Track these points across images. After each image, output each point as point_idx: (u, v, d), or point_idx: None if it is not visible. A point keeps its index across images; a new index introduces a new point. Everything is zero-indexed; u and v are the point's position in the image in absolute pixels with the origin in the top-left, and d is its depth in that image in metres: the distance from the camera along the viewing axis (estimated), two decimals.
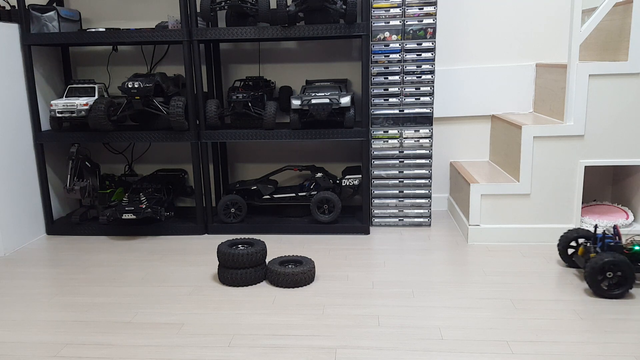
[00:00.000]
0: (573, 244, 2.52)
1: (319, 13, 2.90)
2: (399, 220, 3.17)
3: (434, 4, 2.94)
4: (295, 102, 2.90)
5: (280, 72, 3.41)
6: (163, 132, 3.02)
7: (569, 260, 2.52)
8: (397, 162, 3.11)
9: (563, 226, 2.82)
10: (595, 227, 2.36)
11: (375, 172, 3.13)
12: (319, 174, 3.18)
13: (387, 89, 3.04)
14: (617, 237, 2.27)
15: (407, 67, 3.01)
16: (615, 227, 2.30)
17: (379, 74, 3.03)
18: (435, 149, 3.47)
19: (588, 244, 2.35)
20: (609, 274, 2.15)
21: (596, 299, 2.18)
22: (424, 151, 3.09)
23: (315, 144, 3.49)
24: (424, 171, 3.10)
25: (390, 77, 3.03)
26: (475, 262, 2.60)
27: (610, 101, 2.71)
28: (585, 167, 2.86)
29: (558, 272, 2.46)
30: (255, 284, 2.40)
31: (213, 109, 2.99)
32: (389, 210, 3.16)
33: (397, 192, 3.14)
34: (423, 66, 3.01)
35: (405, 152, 3.10)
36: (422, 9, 2.95)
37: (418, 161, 3.10)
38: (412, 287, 2.34)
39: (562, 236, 2.52)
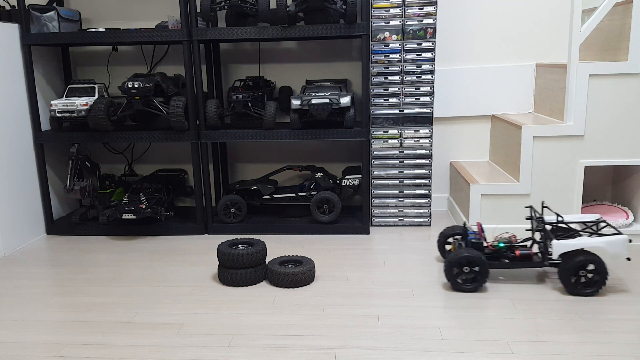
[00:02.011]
0: (451, 240, 2.56)
1: (319, 13, 2.90)
2: (399, 220, 3.17)
3: (434, 4, 2.94)
4: (295, 102, 2.90)
5: (280, 72, 3.41)
6: (163, 132, 3.02)
7: (446, 257, 2.55)
8: (397, 162, 3.11)
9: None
10: (464, 224, 2.42)
11: (375, 172, 3.13)
12: (319, 174, 3.18)
13: (387, 89, 3.04)
14: (479, 235, 2.34)
15: (407, 67, 3.01)
16: (478, 225, 2.38)
17: (379, 74, 3.03)
18: (435, 149, 3.47)
19: (458, 241, 2.43)
20: (466, 269, 2.22)
21: (597, 298, 2.19)
22: (424, 151, 3.09)
23: (315, 144, 3.49)
24: (424, 171, 3.10)
25: (390, 77, 3.03)
26: None
27: (610, 101, 2.71)
28: (585, 167, 2.86)
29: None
30: (255, 284, 2.40)
31: (213, 109, 2.99)
32: (389, 210, 3.16)
33: (397, 192, 3.14)
34: (423, 66, 3.00)
35: (405, 152, 3.09)
36: (422, 9, 2.95)
37: (418, 161, 3.10)
38: (412, 287, 2.34)
39: (440, 233, 2.57)
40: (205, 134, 3.01)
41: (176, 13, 3.36)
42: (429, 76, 3.01)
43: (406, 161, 3.10)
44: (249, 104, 2.98)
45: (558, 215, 2.32)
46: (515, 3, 3.26)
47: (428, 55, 2.99)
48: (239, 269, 2.37)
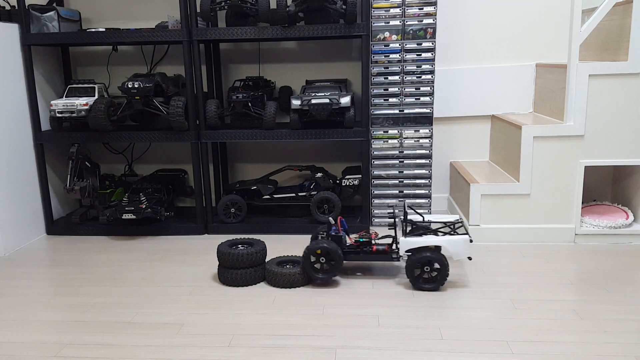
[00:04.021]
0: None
1: (319, 13, 2.90)
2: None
3: (434, 4, 2.94)
4: (295, 102, 2.90)
5: (280, 72, 3.41)
6: (163, 132, 3.02)
7: None
8: (397, 162, 3.11)
9: (563, 226, 2.82)
10: (330, 219, 2.50)
11: (375, 172, 3.13)
12: (319, 174, 3.18)
13: (387, 89, 3.04)
14: (339, 229, 2.46)
15: (407, 67, 3.01)
16: (339, 219, 2.48)
17: (379, 74, 3.03)
18: (435, 149, 3.47)
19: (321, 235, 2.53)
20: (322, 260, 2.34)
21: (597, 298, 2.19)
22: (424, 151, 3.09)
23: (315, 144, 3.49)
24: (424, 171, 3.10)
25: (390, 77, 3.03)
26: (475, 262, 2.60)
27: (610, 101, 2.71)
28: (585, 167, 2.86)
29: (558, 272, 2.46)
30: (255, 284, 2.40)
31: (213, 109, 2.99)
32: (389, 210, 3.16)
33: (397, 192, 3.14)
34: (423, 66, 3.00)
35: (405, 152, 3.09)
36: (422, 9, 2.95)
37: (418, 161, 3.10)
38: (412, 287, 2.34)
39: (312, 235, 2.60)
40: (205, 134, 3.01)
41: (176, 13, 3.36)
42: (429, 76, 3.01)
43: (406, 161, 3.10)
44: (249, 104, 2.98)
45: (406, 214, 2.46)
46: (515, 3, 3.26)
47: (428, 55, 2.99)
48: (239, 269, 2.37)
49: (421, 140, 3.08)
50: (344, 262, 2.50)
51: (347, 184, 3.12)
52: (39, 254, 2.88)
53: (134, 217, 2.97)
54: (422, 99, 3.04)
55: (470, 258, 2.31)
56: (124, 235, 3.12)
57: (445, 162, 3.49)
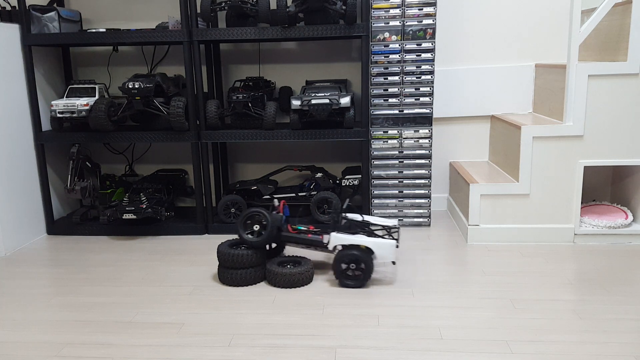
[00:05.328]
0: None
1: (319, 14, 2.91)
2: (399, 220, 3.17)
3: (434, 4, 2.94)
4: (295, 103, 2.91)
5: (280, 73, 3.42)
6: (163, 133, 3.02)
7: None
8: (397, 162, 3.11)
9: (562, 226, 2.83)
10: (275, 200, 2.58)
11: (375, 172, 3.13)
12: (319, 174, 3.18)
13: (387, 89, 3.05)
14: (279, 211, 2.56)
15: (407, 68, 3.02)
16: (281, 203, 2.56)
17: (378, 74, 3.04)
18: (434, 149, 3.48)
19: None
20: (257, 227, 2.45)
21: (597, 298, 2.19)
22: (423, 151, 3.09)
23: (315, 144, 3.49)
24: (423, 171, 3.11)
25: (390, 78, 3.03)
26: (475, 262, 2.61)
27: (609, 101, 2.72)
28: (585, 167, 2.87)
29: (558, 272, 2.47)
30: (255, 284, 2.41)
31: (213, 109, 2.99)
32: (388, 210, 3.16)
33: (397, 192, 3.14)
34: (423, 66, 3.01)
35: (404, 152, 3.10)
36: (422, 9, 2.95)
37: (418, 161, 3.10)
38: (412, 287, 2.34)
39: None
40: (205, 134, 3.02)
41: (176, 13, 3.36)
42: (428, 76, 3.02)
43: (406, 161, 3.11)
44: (249, 104, 2.98)
45: (344, 211, 2.66)
46: (514, 3, 3.26)
47: (428, 55, 2.99)
48: (239, 269, 2.37)
49: (421, 141, 3.08)
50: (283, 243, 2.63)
51: (347, 184, 3.13)
52: (40, 253, 2.89)
53: (134, 217, 2.98)
54: (421, 99, 3.04)
55: (394, 262, 2.37)
56: (124, 235, 3.13)
57: (444, 162, 3.50)
